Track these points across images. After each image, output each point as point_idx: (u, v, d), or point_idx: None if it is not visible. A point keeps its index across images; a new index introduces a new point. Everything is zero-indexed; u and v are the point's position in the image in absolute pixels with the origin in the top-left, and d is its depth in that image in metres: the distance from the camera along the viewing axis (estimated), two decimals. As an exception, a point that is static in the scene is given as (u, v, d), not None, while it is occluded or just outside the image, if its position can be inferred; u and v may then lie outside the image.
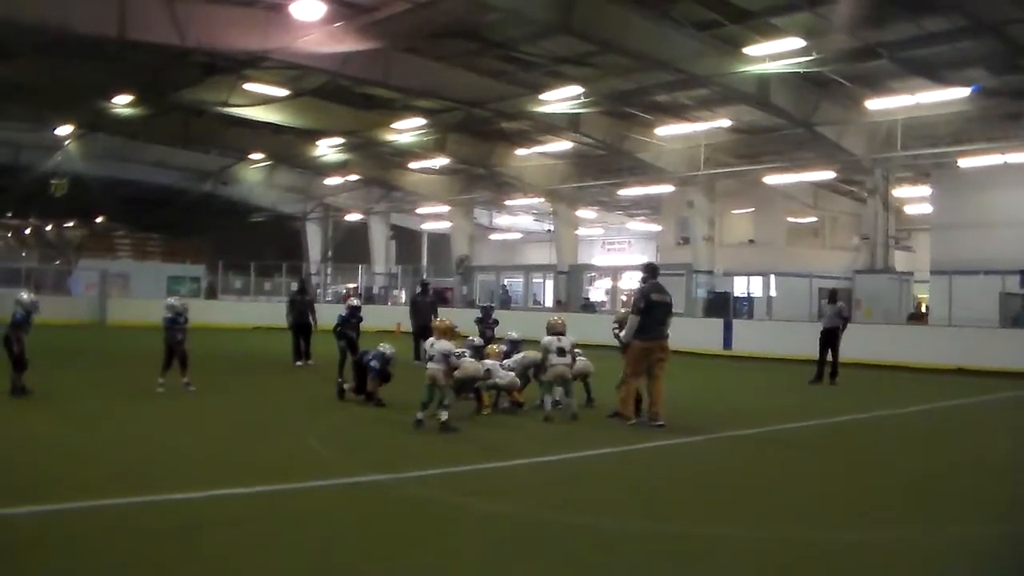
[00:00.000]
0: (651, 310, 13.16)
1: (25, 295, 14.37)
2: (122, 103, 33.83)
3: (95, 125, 39.81)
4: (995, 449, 12.80)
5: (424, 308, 23.56)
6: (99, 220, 60.12)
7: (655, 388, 13.12)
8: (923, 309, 33.22)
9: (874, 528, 7.91)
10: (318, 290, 48.45)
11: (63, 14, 24.19)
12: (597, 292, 44.12)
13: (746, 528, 7.79)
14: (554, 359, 13.70)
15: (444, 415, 12.08)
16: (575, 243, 47.27)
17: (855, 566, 6.98)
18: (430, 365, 12.35)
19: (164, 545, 6.83)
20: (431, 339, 12.90)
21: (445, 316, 15.44)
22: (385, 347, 14.78)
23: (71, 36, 25.40)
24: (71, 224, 59.99)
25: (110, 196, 48.53)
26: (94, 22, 24.91)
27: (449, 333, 13.00)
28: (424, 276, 39.93)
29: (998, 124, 29.06)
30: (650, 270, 13.88)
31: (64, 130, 40.59)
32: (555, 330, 14.06)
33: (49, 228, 61.30)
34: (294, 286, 25.33)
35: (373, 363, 14.48)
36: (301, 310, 22.09)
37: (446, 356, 12.41)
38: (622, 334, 13.52)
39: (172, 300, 16.11)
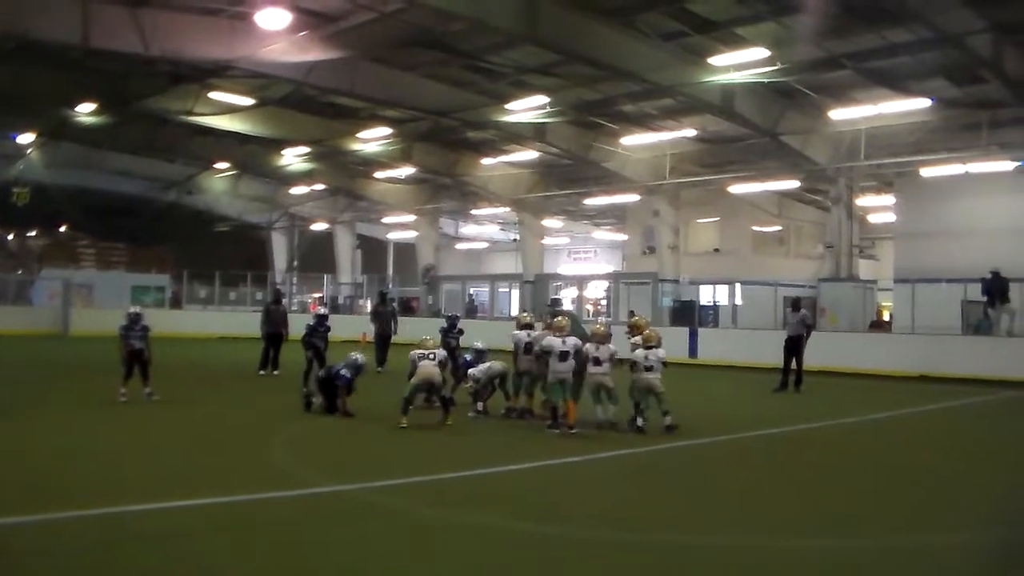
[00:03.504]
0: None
1: None
2: (85, 111, 33.50)
3: (58, 133, 39.38)
4: (958, 455, 12.92)
5: (385, 316, 24.28)
6: (62, 229, 59.66)
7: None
8: (884, 317, 33.48)
9: (838, 535, 7.98)
10: (285, 300, 48.27)
11: (25, 21, 23.97)
12: (563, 301, 44.13)
13: (714, 536, 7.83)
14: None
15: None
16: (541, 252, 47.21)
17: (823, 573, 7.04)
18: (596, 370, 13.29)
19: (123, 557, 6.80)
20: (588, 345, 13.50)
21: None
22: (357, 356, 14.74)
23: (34, 43, 25.17)
24: (33, 233, 59.51)
25: (74, 205, 48.06)
26: (57, 30, 24.66)
27: (608, 339, 13.59)
28: (385, 286, 40.08)
29: (959, 134, 29.31)
30: (554, 303, 16.64)
31: (26, 138, 40.10)
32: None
33: (11, 237, 60.80)
34: (259, 294, 25.30)
35: (344, 372, 14.39)
36: (275, 320, 21.98)
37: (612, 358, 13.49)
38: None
39: (131, 308, 15.99)
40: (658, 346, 13.67)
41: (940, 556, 7.53)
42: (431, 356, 13.75)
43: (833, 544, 7.69)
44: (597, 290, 45.67)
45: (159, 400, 15.09)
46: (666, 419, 13.16)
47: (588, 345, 13.59)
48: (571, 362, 13.31)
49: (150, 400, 15.03)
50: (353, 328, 32.07)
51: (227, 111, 33.20)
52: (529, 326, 14.79)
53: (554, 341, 13.40)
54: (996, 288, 25.02)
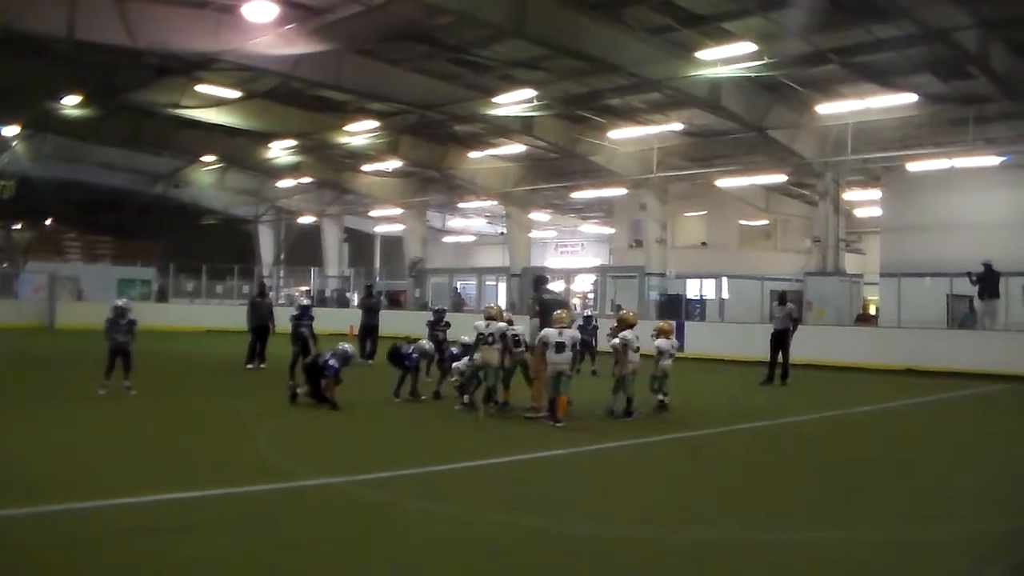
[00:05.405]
0: (546, 313, 14.03)
1: None
2: (71, 104, 33.39)
3: (43, 126, 39.25)
4: (946, 448, 12.97)
5: (372, 308, 24.50)
6: (48, 222, 59.38)
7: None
8: (870, 311, 33.55)
9: (830, 528, 7.99)
10: (271, 293, 48.24)
11: (10, 13, 23.86)
12: (550, 282, 43.94)
13: (701, 530, 7.84)
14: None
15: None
16: (528, 246, 47.28)
17: (794, 566, 7.06)
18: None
19: (108, 550, 6.77)
20: (660, 340, 14.96)
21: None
22: (346, 346, 14.71)
23: (18, 35, 25.05)
24: (19, 226, 59.20)
25: (59, 198, 47.82)
26: (43, 21, 24.56)
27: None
28: (373, 280, 40.17)
29: (945, 129, 29.43)
30: (539, 280, 15.59)
31: (11, 130, 39.97)
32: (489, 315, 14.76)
33: (-4, 230, 60.49)
34: (245, 288, 25.27)
35: (332, 362, 14.33)
36: (261, 313, 21.91)
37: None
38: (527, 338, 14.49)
39: (117, 301, 15.92)
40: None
41: (935, 549, 7.52)
42: (490, 339, 13.97)
43: (826, 537, 7.70)
44: (584, 283, 45.65)
45: (141, 394, 14.92)
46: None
47: (660, 340, 15.09)
48: (568, 354, 13.25)
49: (127, 394, 14.92)
50: (339, 322, 32.03)
51: (214, 104, 33.16)
52: (508, 321, 14.76)
53: (551, 332, 13.30)
54: (988, 281, 24.91)
